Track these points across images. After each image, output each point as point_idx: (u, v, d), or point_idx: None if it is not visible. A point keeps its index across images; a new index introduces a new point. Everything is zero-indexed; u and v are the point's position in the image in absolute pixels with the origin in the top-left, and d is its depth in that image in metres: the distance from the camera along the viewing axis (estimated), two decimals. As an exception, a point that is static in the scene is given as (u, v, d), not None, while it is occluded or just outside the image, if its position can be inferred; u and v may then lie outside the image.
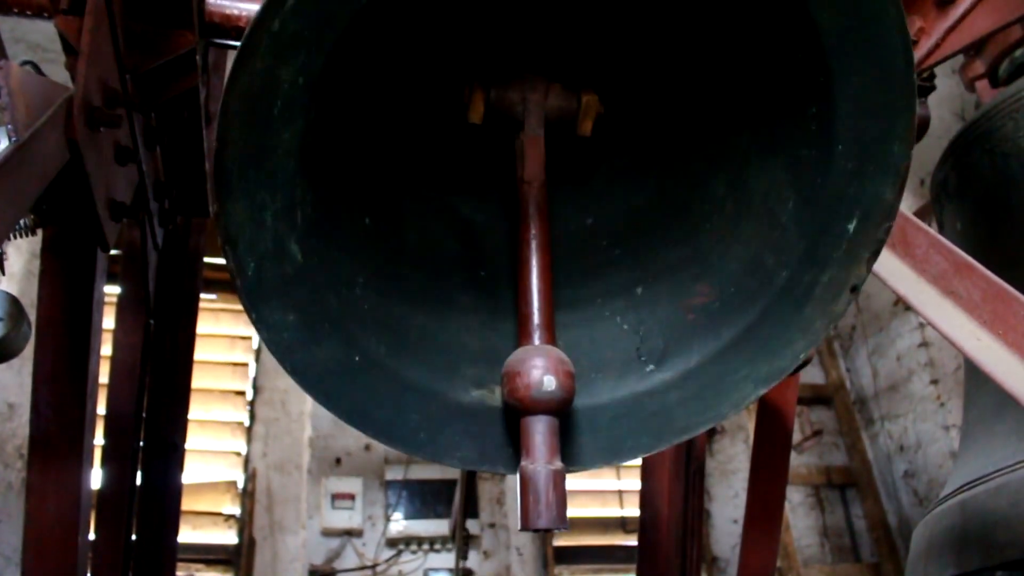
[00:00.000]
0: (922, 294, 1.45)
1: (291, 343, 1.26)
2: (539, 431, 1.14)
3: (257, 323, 1.22)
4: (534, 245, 1.25)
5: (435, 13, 1.33)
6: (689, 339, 1.38)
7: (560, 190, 1.43)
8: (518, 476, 1.12)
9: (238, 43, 1.69)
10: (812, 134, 1.23)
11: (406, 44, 1.35)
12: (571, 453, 1.36)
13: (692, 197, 1.43)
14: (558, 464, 1.12)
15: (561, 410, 1.15)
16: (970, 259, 1.39)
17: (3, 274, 1.48)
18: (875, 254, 1.25)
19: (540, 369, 1.14)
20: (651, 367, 1.39)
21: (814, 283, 1.28)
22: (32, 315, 1.40)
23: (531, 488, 1.10)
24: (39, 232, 1.43)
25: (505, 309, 1.45)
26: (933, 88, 2.09)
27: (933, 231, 1.49)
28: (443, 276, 1.47)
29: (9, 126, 1.19)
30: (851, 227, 1.24)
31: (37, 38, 4.72)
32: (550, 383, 1.13)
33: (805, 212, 1.27)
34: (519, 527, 1.11)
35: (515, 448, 1.33)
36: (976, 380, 2.19)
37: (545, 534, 5.83)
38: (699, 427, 1.36)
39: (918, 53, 1.59)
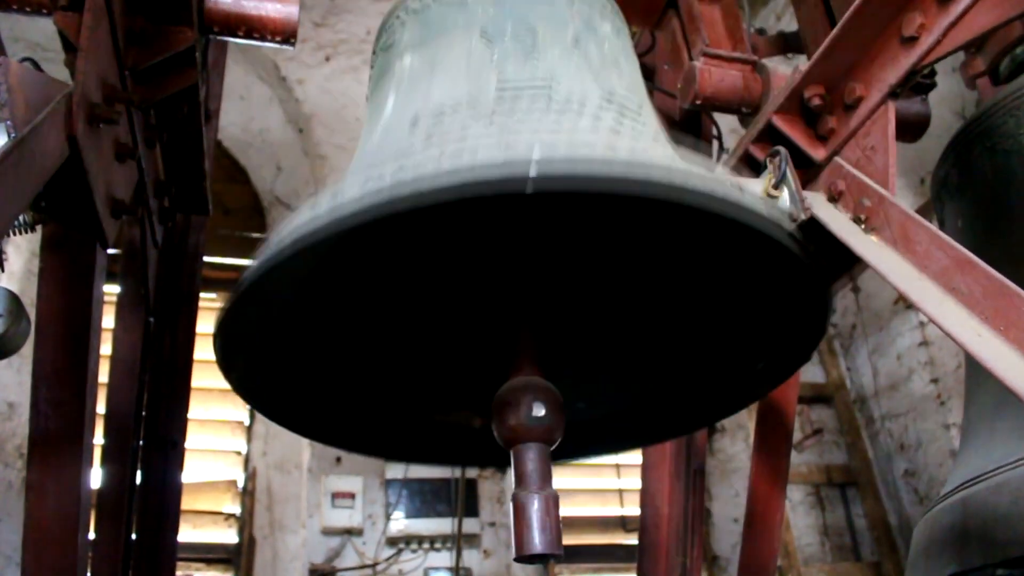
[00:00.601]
0: (923, 291, 1.44)
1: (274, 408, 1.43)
2: (530, 459, 1.17)
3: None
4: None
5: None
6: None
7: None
8: (511, 504, 1.14)
9: (237, 39, 1.72)
10: None
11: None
12: (565, 445, 1.45)
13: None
14: (551, 490, 1.14)
15: (551, 439, 1.19)
16: (971, 255, 1.38)
17: (3, 271, 1.48)
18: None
19: (530, 397, 1.18)
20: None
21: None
22: (32, 313, 1.39)
23: (524, 515, 1.12)
24: (38, 229, 1.43)
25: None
26: (934, 85, 2.09)
27: (934, 228, 1.48)
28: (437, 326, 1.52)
29: (8, 122, 1.18)
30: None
31: (37, 37, 4.71)
32: (539, 410, 1.17)
33: None
34: (514, 556, 1.13)
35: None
36: (977, 377, 2.18)
37: (545, 533, 5.81)
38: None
39: (918, 50, 1.59)
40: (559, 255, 1.36)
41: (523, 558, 1.12)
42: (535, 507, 1.12)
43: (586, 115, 1.21)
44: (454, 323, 1.48)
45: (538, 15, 1.38)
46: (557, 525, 1.12)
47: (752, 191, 1.70)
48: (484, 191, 0.91)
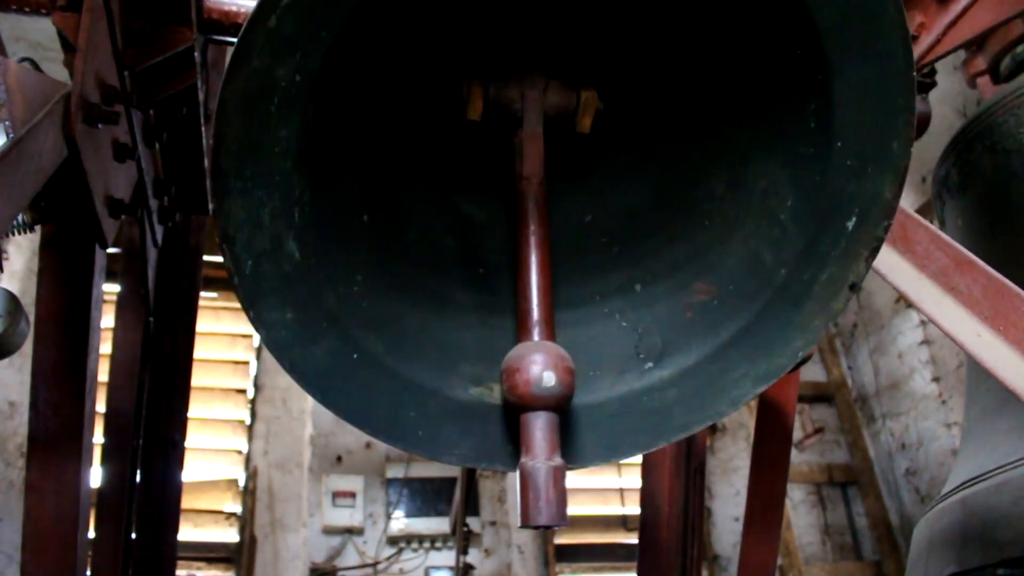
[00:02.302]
0: (923, 290, 1.44)
1: (289, 341, 1.26)
2: (539, 427, 1.13)
3: (255, 321, 1.22)
4: (533, 242, 1.25)
5: (433, 9, 1.33)
6: (688, 337, 1.37)
7: (559, 188, 1.42)
8: (518, 473, 1.11)
9: (236, 40, 1.70)
10: (811, 131, 1.22)
11: (404, 41, 1.35)
12: (569, 450, 1.35)
13: (691, 194, 1.42)
14: (558, 460, 1.11)
15: (561, 406, 1.15)
16: (971, 255, 1.38)
17: (2, 271, 1.48)
18: (874, 252, 1.25)
19: (540, 365, 1.13)
20: (649, 365, 1.38)
21: (813, 281, 1.27)
22: (32, 313, 1.39)
23: (531, 484, 1.09)
24: (37, 229, 1.43)
25: (504, 306, 1.44)
26: (934, 84, 2.08)
27: (934, 227, 1.48)
28: (442, 273, 1.46)
29: (7, 122, 1.18)
30: (850, 225, 1.23)
31: (37, 36, 4.71)
32: (550, 379, 1.13)
33: (804, 210, 1.26)
34: (519, 524, 1.10)
35: (514, 445, 1.33)
36: (977, 377, 2.18)
37: (546, 532, 5.83)
38: (697, 425, 1.35)
39: (919, 49, 1.59)
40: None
41: (528, 527, 1.10)
42: (542, 477, 1.10)
43: None
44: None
45: None
46: (563, 496, 1.10)
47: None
48: None
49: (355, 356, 1.31)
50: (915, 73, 1.48)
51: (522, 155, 1.31)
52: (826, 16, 1.11)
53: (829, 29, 1.12)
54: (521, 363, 1.14)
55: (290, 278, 1.22)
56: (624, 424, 1.38)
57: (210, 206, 1.15)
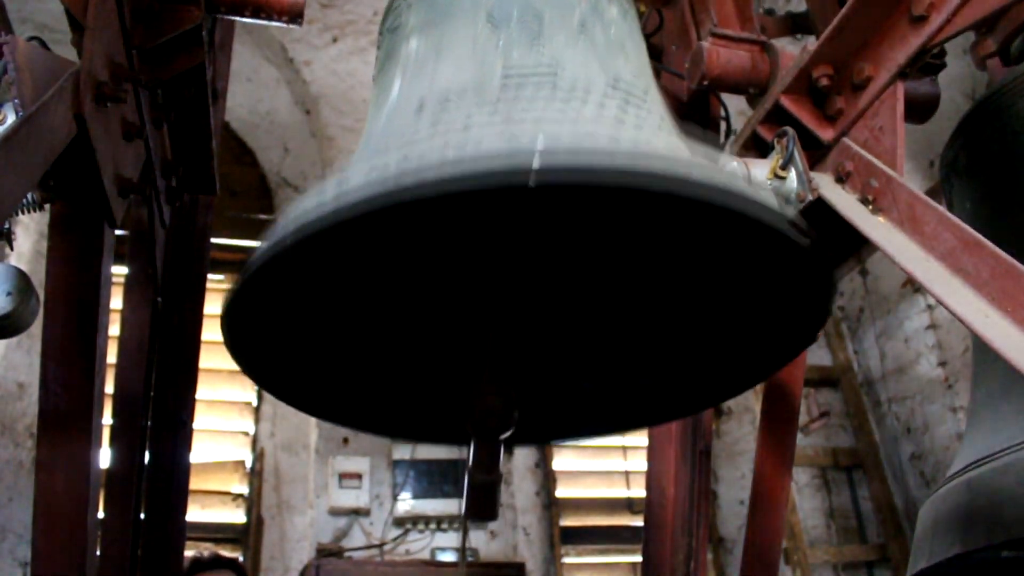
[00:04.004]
0: (930, 272, 1.44)
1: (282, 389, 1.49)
2: (482, 450, 1.36)
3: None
4: None
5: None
6: None
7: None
8: (466, 479, 1.36)
9: (244, 18, 1.71)
10: None
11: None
12: (569, 423, 1.61)
13: None
14: (497, 475, 1.36)
15: (502, 432, 1.36)
16: (979, 236, 1.38)
17: (11, 249, 1.48)
18: None
19: (483, 400, 1.35)
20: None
21: None
22: (40, 293, 1.40)
23: (473, 492, 1.36)
24: (46, 208, 1.43)
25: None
26: (943, 66, 2.07)
27: (942, 208, 1.48)
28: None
29: (16, 100, 1.19)
30: None
31: (44, 18, 4.71)
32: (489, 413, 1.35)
33: None
34: (463, 515, 1.38)
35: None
36: (984, 359, 2.17)
37: (552, 514, 5.86)
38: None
39: (928, 29, 1.58)
40: (560, 241, 1.37)
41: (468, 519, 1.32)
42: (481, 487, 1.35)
43: (591, 103, 1.20)
44: (452, 304, 1.51)
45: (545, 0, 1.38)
46: (496, 502, 1.38)
47: (757, 178, 1.70)
48: (488, 183, 0.91)
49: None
50: (924, 55, 1.50)
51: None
52: None
53: None
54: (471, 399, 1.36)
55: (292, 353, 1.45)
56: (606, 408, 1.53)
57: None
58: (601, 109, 1.20)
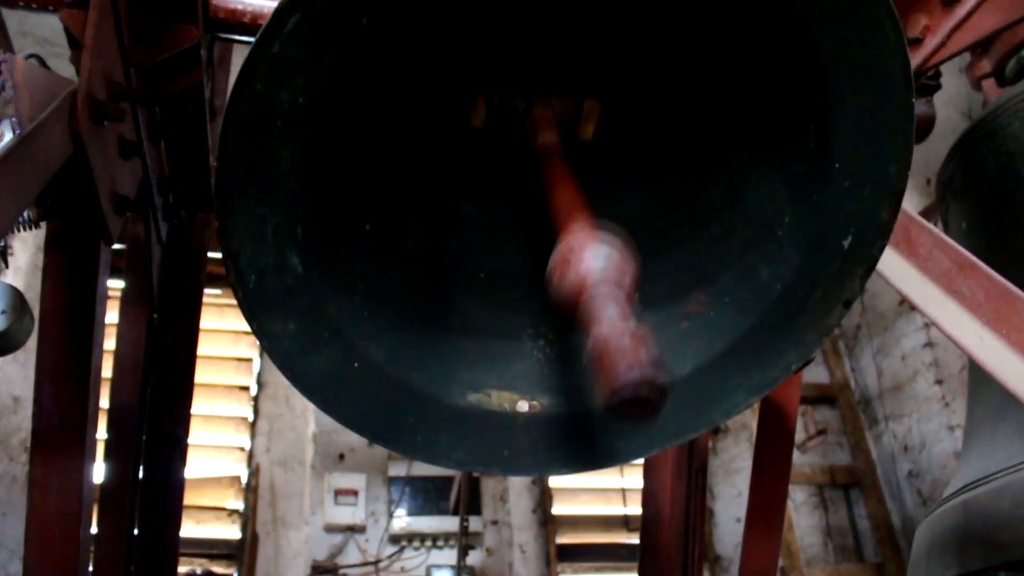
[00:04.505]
0: (926, 293, 1.45)
1: (291, 351, 1.28)
2: (610, 298, 0.91)
3: (258, 333, 1.25)
4: (562, 181, 1.20)
5: (437, 26, 1.33)
6: (684, 347, 1.38)
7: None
8: (590, 346, 0.87)
9: (242, 37, 1.71)
10: (810, 151, 1.23)
11: (407, 56, 1.35)
12: (565, 456, 1.39)
13: (690, 206, 1.43)
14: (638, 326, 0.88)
15: (631, 286, 0.95)
16: (974, 258, 1.39)
17: (7, 267, 1.48)
18: (868, 271, 1.26)
19: (596, 242, 0.97)
20: None
21: (807, 297, 1.28)
22: (36, 309, 1.40)
23: (611, 347, 0.84)
24: (43, 225, 1.43)
25: (502, 314, 1.46)
26: (939, 87, 2.08)
27: (937, 230, 1.48)
28: (442, 280, 1.48)
29: (13, 118, 1.19)
30: (846, 244, 1.25)
31: (44, 32, 4.72)
32: (609, 253, 0.96)
33: (801, 227, 1.28)
34: (600, 403, 0.84)
35: (510, 449, 1.35)
36: (979, 380, 2.18)
37: (547, 531, 5.83)
38: (692, 432, 1.38)
39: (923, 51, 1.59)
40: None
41: (617, 403, 0.81)
42: (624, 336, 0.85)
43: None
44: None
45: None
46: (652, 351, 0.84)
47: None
48: None
49: (356, 365, 1.33)
50: (920, 76, 1.50)
51: (536, 129, 1.30)
52: (829, 42, 1.12)
53: (832, 55, 1.13)
54: (573, 246, 0.98)
55: (292, 291, 1.25)
56: (619, 430, 1.39)
57: (216, 224, 1.17)
58: None
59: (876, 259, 1.25)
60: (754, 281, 1.34)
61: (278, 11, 1.05)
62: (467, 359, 1.43)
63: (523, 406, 1.41)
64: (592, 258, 0.94)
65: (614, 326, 0.86)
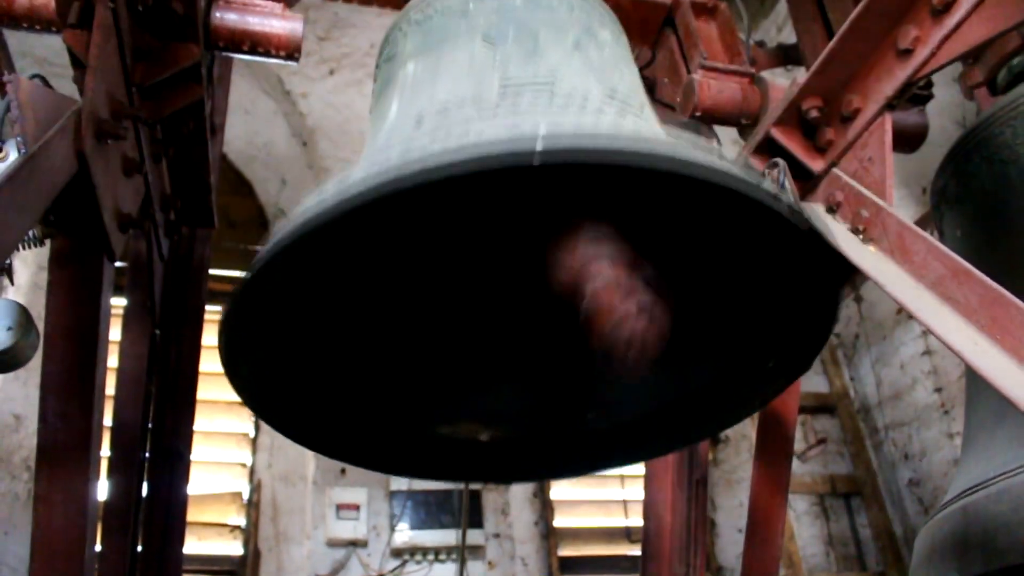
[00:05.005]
0: (920, 300, 1.46)
1: (276, 411, 1.45)
2: (606, 259, 1.04)
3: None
4: None
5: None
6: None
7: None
8: (587, 297, 0.99)
9: (242, 55, 1.74)
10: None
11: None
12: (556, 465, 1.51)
13: None
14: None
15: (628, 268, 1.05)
16: (967, 265, 1.40)
17: (12, 284, 1.50)
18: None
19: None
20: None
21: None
22: (39, 326, 1.41)
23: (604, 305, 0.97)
24: (47, 243, 1.45)
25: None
26: (931, 97, 2.11)
27: (931, 238, 1.50)
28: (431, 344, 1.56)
29: (19, 138, 1.21)
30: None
31: (43, 52, 4.76)
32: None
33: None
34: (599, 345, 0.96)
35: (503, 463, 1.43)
36: (977, 386, 2.19)
37: (549, 544, 5.82)
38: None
39: (914, 62, 1.61)
40: None
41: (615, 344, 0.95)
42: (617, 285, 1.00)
43: (589, 110, 1.21)
44: (456, 324, 1.50)
45: (539, 21, 1.40)
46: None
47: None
48: (491, 164, 0.90)
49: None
50: (911, 87, 1.54)
51: None
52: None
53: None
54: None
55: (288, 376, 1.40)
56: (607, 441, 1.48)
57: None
58: (599, 115, 1.21)
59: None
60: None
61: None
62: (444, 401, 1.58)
63: (484, 436, 1.55)
64: (591, 248, 1.05)
65: (608, 277, 0.97)
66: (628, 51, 1.58)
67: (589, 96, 1.26)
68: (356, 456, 1.66)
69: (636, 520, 5.84)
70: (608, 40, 1.49)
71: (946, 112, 4.81)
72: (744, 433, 6.35)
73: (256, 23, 1.78)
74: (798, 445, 6.18)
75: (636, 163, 0.94)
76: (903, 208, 5.05)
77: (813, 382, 6.51)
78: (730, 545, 6.16)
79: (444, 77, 1.33)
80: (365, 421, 1.56)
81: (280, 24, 1.79)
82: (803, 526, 6.16)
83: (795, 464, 6.11)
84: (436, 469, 1.70)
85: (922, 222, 4.86)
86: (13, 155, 1.28)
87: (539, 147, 0.88)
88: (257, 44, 1.80)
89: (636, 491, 5.93)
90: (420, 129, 1.19)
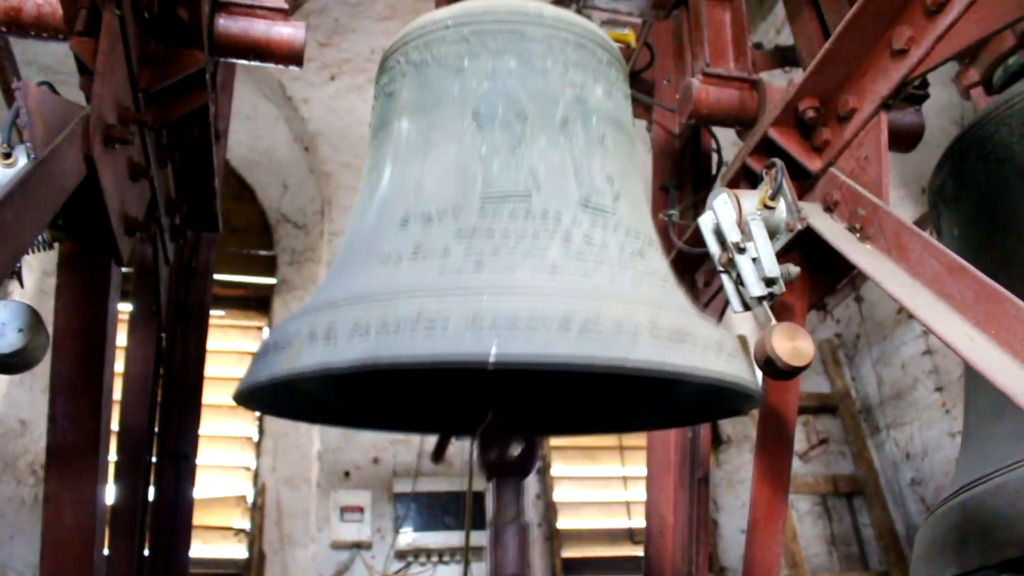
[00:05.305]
0: (917, 297, 1.48)
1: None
2: (507, 491, 1.40)
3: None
4: None
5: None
6: None
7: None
8: (489, 530, 1.37)
9: (246, 61, 1.77)
10: None
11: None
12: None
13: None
14: (523, 521, 1.39)
15: (525, 472, 1.41)
16: (963, 262, 1.42)
17: (22, 286, 1.52)
18: None
19: (507, 437, 1.39)
20: None
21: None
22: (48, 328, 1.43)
23: (501, 542, 1.37)
24: (55, 247, 1.47)
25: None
26: (926, 96, 2.12)
27: (926, 235, 1.52)
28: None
29: (28, 144, 1.23)
30: None
31: (47, 60, 4.79)
32: (515, 449, 1.39)
33: None
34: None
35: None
36: (975, 382, 2.21)
37: (553, 545, 5.84)
38: None
39: (908, 62, 1.63)
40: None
41: None
42: (510, 535, 1.37)
43: (557, 238, 1.33)
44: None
45: (529, 90, 1.46)
46: (526, 551, 1.37)
47: (747, 211, 1.74)
48: (453, 364, 1.14)
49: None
50: (906, 87, 1.56)
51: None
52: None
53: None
54: (491, 436, 1.41)
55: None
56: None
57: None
58: (567, 245, 1.32)
59: None
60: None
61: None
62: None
63: None
64: (504, 452, 1.40)
65: (505, 525, 1.37)
66: (622, 102, 1.62)
67: (562, 213, 1.36)
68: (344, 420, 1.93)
69: (639, 521, 5.85)
70: (599, 100, 1.54)
71: (945, 112, 4.83)
72: (747, 433, 6.36)
73: (259, 30, 1.80)
74: (800, 445, 6.20)
75: (575, 368, 1.18)
76: (903, 208, 5.07)
77: (814, 382, 6.53)
78: (733, 546, 6.17)
79: (433, 159, 1.44)
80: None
81: (283, 31, 1.81)
82: (806, 526, 6.17)
83: (797, 464, 6.15)
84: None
85: (922, 221, 4.88)
86: (23, 161, 1.30)
87: (492, 358, 1.09)
88: (260, 51, 1.82)
89: (639, 492, 5.94)
90: (402, 240, 1.34)
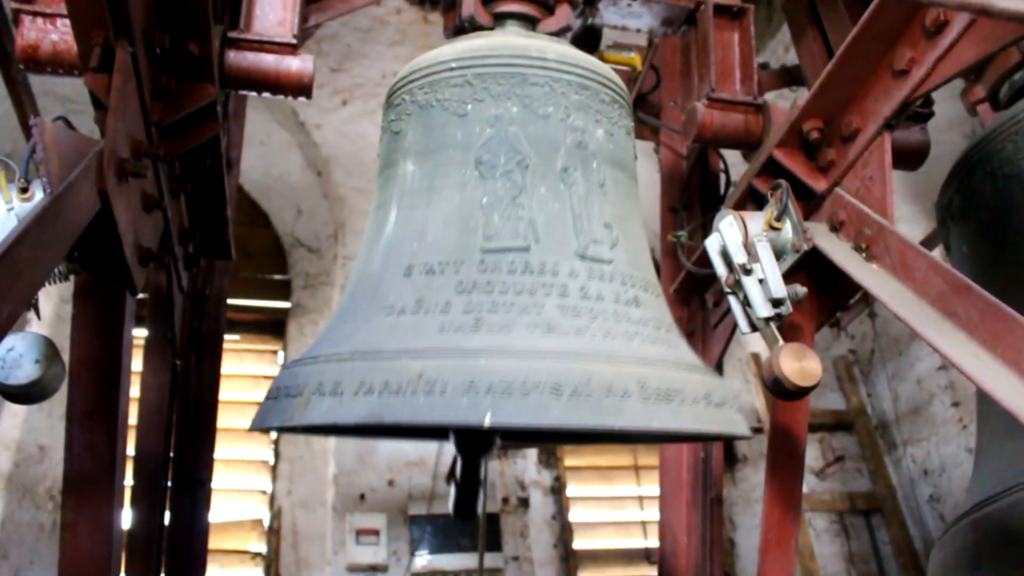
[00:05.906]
0: (922, 316, 1.49)
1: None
2: None
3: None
4: None
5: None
6: None
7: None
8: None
9: (256, 93, 1.81)
10: None
11: None
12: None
13: None
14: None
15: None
16: (968, 280, 1.43)
17: (39, 318, 1.55)
18: None
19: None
20: None
21: None
22: (64, 358, 1.45)
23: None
24: (71, 278, 1.50)
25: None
26: (931, 115, 2.14)
27: (932, 254, 1.53)
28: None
29: (44, 179, 1.26)
30: None
31: (65, 91, 4.86)
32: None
33: None
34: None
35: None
36: (987, 401, 2.20)
37: (569, 566, 5.82)
38: None
39: (910, 82, 1.64)
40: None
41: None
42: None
43: (553, 294, 1.37)
44: None
45: (531, 137, 1.49)
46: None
47: (752, 231, 1.75)
48: (450, 425, 1.27)
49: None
50: (908, 106, 1.57)
51: None
52: None
53: None
54: None
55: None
56: None
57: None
58: (562, 300, 1.36)
59: None
60: None
61: None
62: None
63: None
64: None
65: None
66: (623, 142, 1.64)
67: (559, 267, 1.40)
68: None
69: (655, 541, 5.82)
70: (601, 143, 1.56)
71: (956, 127, 4.82)
72: (763, 451, 6.31)
73: (269, 63, 1.84)
74: (816, 463, 6.16)
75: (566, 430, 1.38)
76: (915, 223, 5.05)
77: (830, 399, 6.50)
78: (750, 564, 6.13)
79: (435, 209, 1.48)
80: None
81: (292, 64, 1.84)
82: (823, 544, 6.13)
83: (814, 482, 6.12)
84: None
85: (933, 238, 4.87)
86: (39, 195, 1.34)
87: (487, 423, 1.16)
88: (270, 84, 1.86)
89: (655, 512, 5.91)
90: (405, 293, 1.39)
